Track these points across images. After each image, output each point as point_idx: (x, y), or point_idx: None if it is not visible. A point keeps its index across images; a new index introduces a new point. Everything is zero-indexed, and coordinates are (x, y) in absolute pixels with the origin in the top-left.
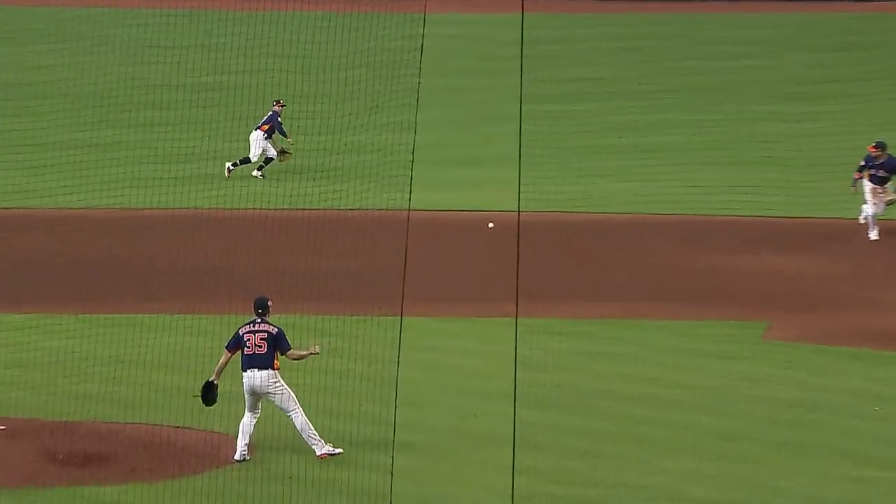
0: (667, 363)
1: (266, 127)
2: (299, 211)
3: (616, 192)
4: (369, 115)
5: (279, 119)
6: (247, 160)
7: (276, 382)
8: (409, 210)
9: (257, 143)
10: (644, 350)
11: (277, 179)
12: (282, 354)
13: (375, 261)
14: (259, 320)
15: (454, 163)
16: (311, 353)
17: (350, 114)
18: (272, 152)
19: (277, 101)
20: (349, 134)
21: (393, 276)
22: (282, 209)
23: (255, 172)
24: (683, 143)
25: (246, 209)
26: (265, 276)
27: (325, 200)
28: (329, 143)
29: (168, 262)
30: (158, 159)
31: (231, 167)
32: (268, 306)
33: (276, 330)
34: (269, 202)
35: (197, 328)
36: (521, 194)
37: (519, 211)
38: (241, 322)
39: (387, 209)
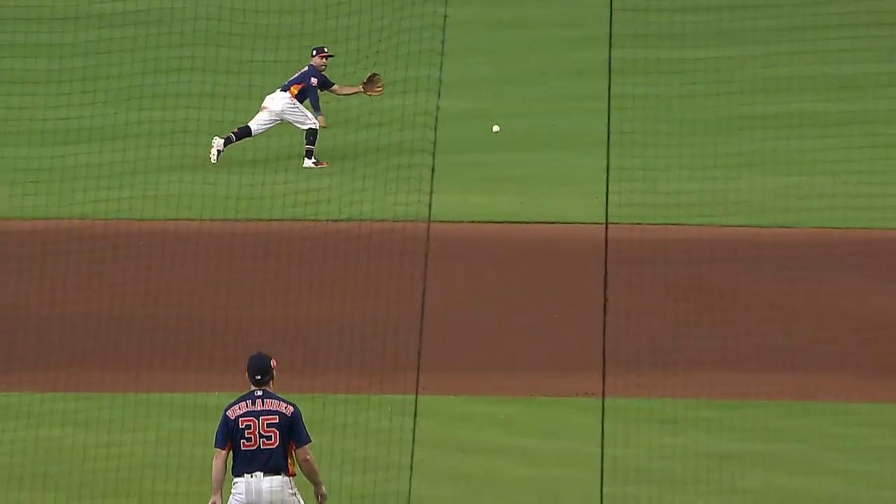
0: (855, 474)
1: (298, 88)
2: (257, 223)
3: (763, 192)
4: (366, 64)
5: (317, 79)
6: (246, 132)
7: (292, 496)
8: (430, 221)
9: (279, 111)
10: (816, 449)
11: (228, 172)
12: (296, 449)
13: (378, 302)
14: (259, 392)
15: (499, 146)
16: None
17: (344, 63)
18: (312, 122)
19: (319, 51)
20: (337, 98)
21: (404, 326)
22: (231, 220)
23: (307, 162)
24: (880, 111)
25: (171, 219)
26: (188, 327)
27: (301, 205)
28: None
29: (42, 308)
30: (21, 139)
31: (222, 145)
32: (271, 369)
33: (291, 409)
34: (210, 209)
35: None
36: (608, 195)
37: (607, 224)
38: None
39: (395, 219)
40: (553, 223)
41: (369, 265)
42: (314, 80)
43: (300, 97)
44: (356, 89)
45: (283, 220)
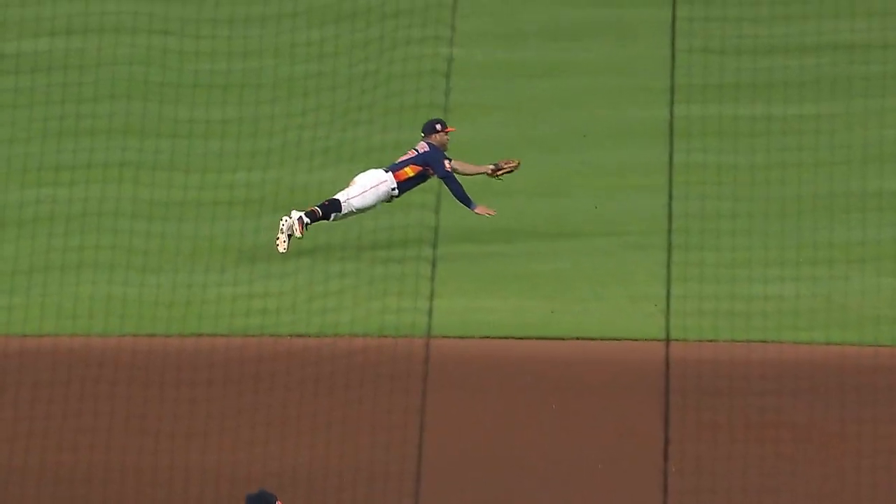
0: None
1: (415, 170)
2: (196, 339)
3: (879, 297)
4: (343, 124)
5: (449, 162)
6: (335, 206)
7: None
8: (430, 337)
9: (374, 190)
10: None
11: (158, 270)
12: None
13: (360, 443)
14: None
15: (522, 234)
16: None
17: (315, 124)
18: (364, 208)
19: (442, 125)
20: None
21: (396, 475)
22: (160, 335)
23: (288, 223)
24: None
25: (77, 335)
26: (105, 478)
27: (255, 314)
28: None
29: None
30: None
31: (306, 222)
32: None
33: None
34: (133, 319)
35: None
36: (670, 301)
37: (668, 340)
38: None
39: (383, 334)
40: (595, 339)
41: (348, 394)
42: (448, 163)
43: (409, 183)
44: (483, 169)
45: (232, 336)
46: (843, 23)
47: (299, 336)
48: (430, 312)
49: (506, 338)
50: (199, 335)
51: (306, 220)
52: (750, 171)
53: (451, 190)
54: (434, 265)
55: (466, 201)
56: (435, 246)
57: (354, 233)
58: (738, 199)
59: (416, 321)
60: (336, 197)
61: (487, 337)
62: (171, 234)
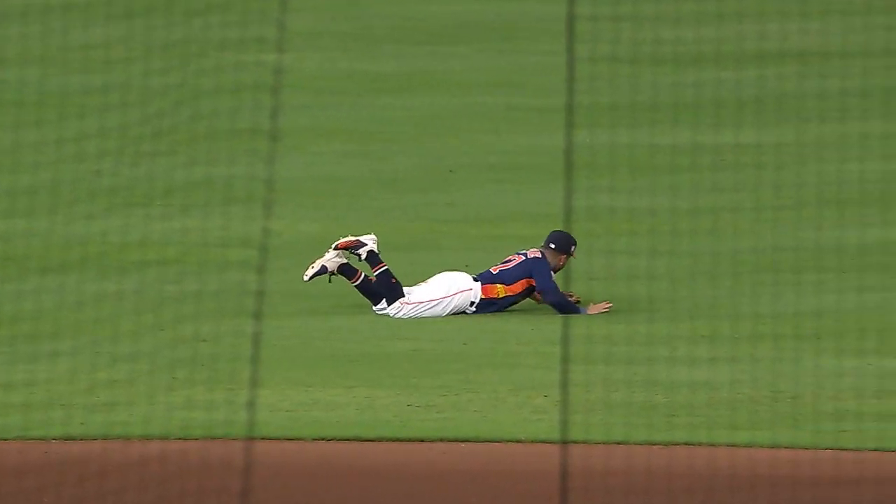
0: None
1: (524, 285)
2: None
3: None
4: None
5: (549, 270)
6: (395, 292)
7: None
8: (250, 438)
9: (448, 300)
10: None
11: None
12: None
13: None
14: None
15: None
16: None
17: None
18: (418, 311)
19: (574, 245)
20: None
21: None
22: None
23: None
24: None
25: None
26: None
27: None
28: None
29: None
30: None
31: (335, 264)
32: None
33: None
34: None
35: None
36: (567, 391)
37: (564, 444)
38: None
39: (185, 435)
40: (467, 441)
41: None
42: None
43: (511, 299)
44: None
45: None
46: (791, 24)
47: (73, 440)
48: (250, 407)
49: (350, 439)
50: None
51: (333, 264)
52: (671, 218)
53: (554, 304)
54: (256, 343)
55: (574, 310)
56: (258, 317)
57: (150, 299)
58: (657, 254)
59: (232, 418)
60: (392, 277)
61: (326, 438)
62: None
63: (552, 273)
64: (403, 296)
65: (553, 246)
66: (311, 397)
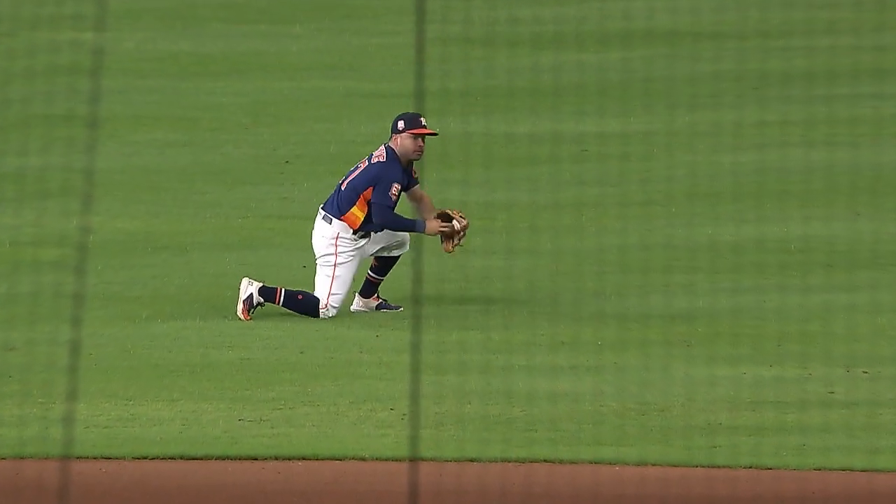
0: None
1: (365, 198)
2: None
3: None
4: None
5: (399, 183)
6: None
7: None
8: (66, 458)
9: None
10: None
11: None
12: None
13: None
14: None
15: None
16: None
17: None
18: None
19: (402, 120)
20: None
21: None
22: None
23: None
24: None
25: None
26: None
27: None
28: None
29: None
30: None
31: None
32: None
33: None
34: None
35: None
36: (417, 404)
37: (414, 461)
38: None
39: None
40: (305, 459)
41: None
42: (396, 187)
43: (363, 225)
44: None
45: None
46: (659, 1)
47: None
48: (67, 422)
49: (175, 458)
50: None
51: (258, 299)
52: (530, 214)
53: (383, 224)
54: (75, 352)
55: (409, 226)
56: (77, 323)
57: None
58: (514, 252)
59: (45, 435)
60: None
61: (148, 457)
62: None
63: (395, 183)
64: (318, 299)
65: (401, 126)
66: (131, 412)
